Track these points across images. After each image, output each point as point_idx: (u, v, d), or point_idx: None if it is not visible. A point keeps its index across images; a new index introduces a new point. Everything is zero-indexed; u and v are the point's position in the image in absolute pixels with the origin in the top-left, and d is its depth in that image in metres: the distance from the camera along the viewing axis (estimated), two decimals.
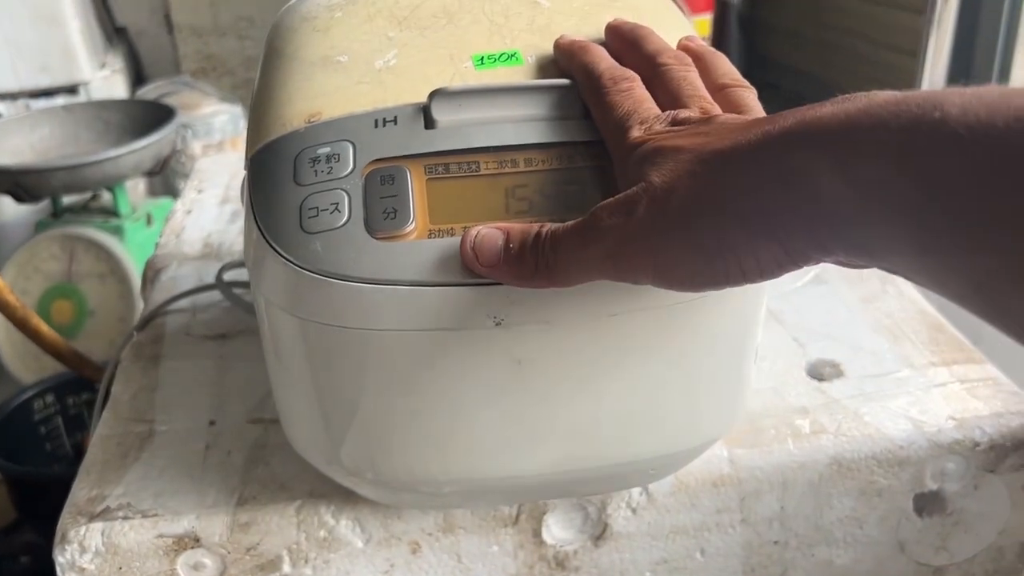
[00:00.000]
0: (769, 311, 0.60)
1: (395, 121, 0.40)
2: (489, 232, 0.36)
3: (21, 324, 0.73)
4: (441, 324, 0.36)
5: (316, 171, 0.38)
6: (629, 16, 0.47)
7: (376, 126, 0.40)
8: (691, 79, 0.39)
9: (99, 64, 1.81)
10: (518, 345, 0.37)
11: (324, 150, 0.39)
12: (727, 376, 0.42)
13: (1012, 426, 0.50)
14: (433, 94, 0.39)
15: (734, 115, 0.36)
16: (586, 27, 0.45)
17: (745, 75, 0.42)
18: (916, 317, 0.59)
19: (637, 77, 0.39)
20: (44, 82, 1.73)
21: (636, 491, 0.47)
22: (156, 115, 1.28)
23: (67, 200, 1.25)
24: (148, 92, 1.55)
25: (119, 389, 0.55)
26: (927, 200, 0.25)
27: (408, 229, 0.36)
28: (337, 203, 0.37)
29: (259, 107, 0.44)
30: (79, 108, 1.30)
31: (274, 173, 0.39)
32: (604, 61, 0.40)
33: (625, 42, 0.43)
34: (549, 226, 0.35)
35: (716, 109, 0.37)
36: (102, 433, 0.51)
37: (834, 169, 0.28)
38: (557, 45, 0.43)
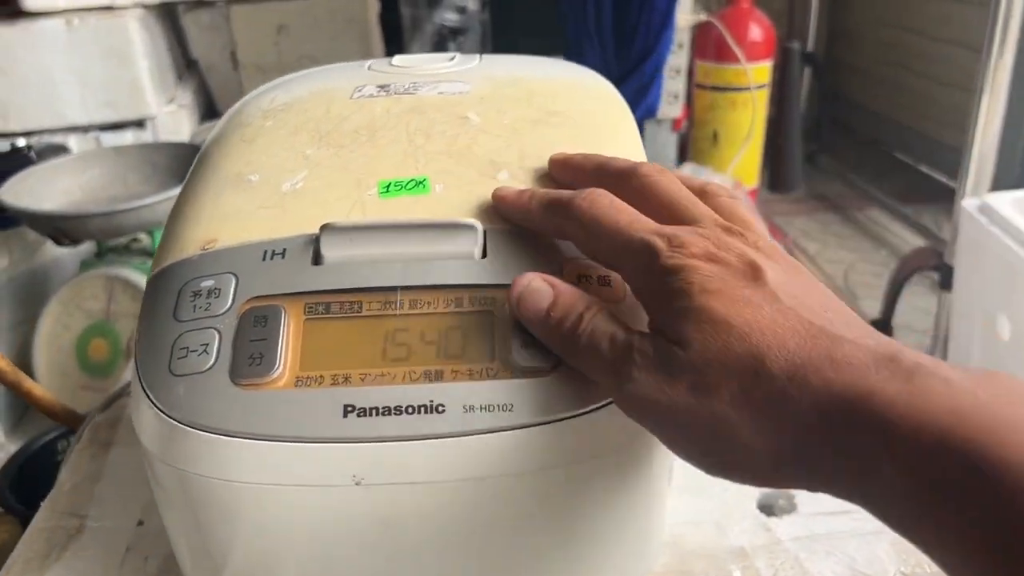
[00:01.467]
0: None
1: (283, 254, 0.39)
2: (539, 288, 0.35)
3: (14, 387, 0.75)
4: (298, 480, 0.35)
5: (195, 306, 0.38)
6: (567, 133, 0.45)
7: (264, 259, 0.39)
8: (686, 194, 0.37)
9: (167, 99, 1.87)
10: (382, 505, 0.35)
11: (208, 283, 0.38)
12: (623, 533, 0.40)
13: None
14: (322, 228, 0.38)
15: (795, 278, 0.32)
16: (509, 151, 0.43)
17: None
18: None
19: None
20: (112, 116, 1.79)
21: None
22: None
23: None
24: (202, 132, 1.59)
25: (64, 477, 0.56)
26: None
27: (273, 376, 0.35)
28: (207, 344, 0.36)
29: (169, 225, 0.44)
30: (127, 151, 1.34)
31: (159, 305, 0.39)
32: (567, 192, 0.37)
33: (581, 171, 0.40)
34: (596, 314, 0.34)
35: (755, 233, 0.34)
36: (36, 526, 0.52)
37: (899, 468, 0.26)
38: (499, 199, 0.40)
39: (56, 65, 1.72)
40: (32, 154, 1.40)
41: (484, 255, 0.38)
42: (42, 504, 0.53)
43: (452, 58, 0.55)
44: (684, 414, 0.30)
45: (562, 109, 0.47)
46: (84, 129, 1.80)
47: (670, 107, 1.66)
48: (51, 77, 1.73)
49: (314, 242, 0.39)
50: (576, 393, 0.34)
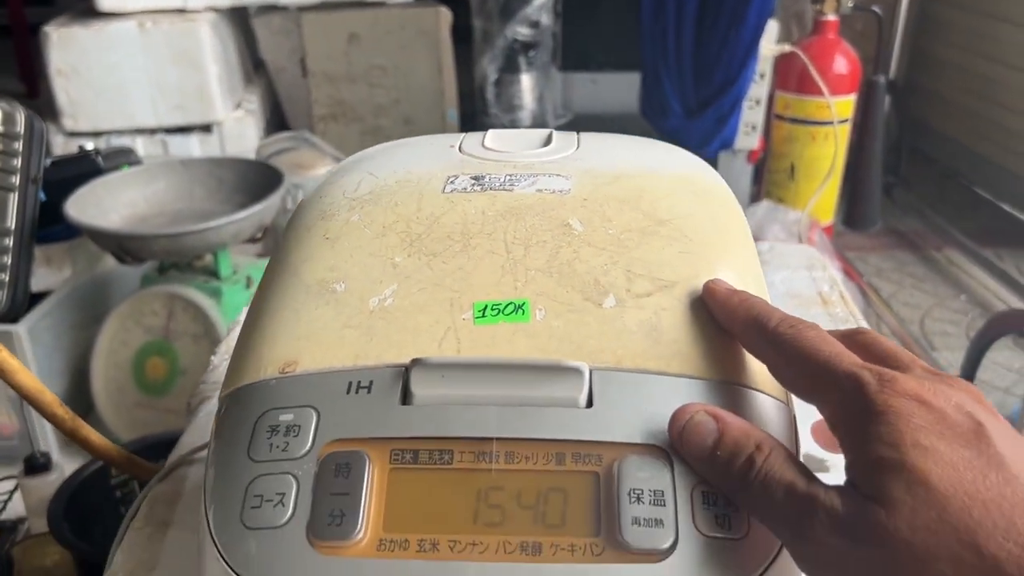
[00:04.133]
0: None
1: (369, 388, 0.35)
2: (703, 422, 0.32)
3: (71, 434, 0.73)
4: None
5: (272, 444, 0.34)
6: (679, 247, 0.41)
7: (349, 391, 0.35)
8: (892, 345, 0.34)
9: (234, 104, 1.86)
10: None
11: (286, 417, 0.35)
12: None
13: None
14: (413, 363, 0.35)
15: (1020, 440, 0.29)
16: (615, 268, 0.39)
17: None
18: None
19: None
20: (180, 120, 1.79)
21: None
22: (267, 176, 1.28)
23: None
24: (269, 145, 1.57)
25: (120, 561, 0.53)
26: None
27: (354, 540, 0.32)
28: (284, 493, 0.33)
29: (248, 333, 0.40)
30: (195, 164, 1.33)
31: (233, 435, 0.35)
32: (777, 311, 0.35)
33: (734, 318, 0.38)
34: (769, 456, 0.30)
35: (967, 387, 0.30)
36: None
37: None
38: (710, 291, 0.38)
39: (127, 67, 1.72)
40: (99, 159, 1.39)
41: (590, 403, 0.34)
42: None
43: (548, 138, 0.51)
44: None
45: (672, 216, 0.43)
46: (151, 131, 1.80)
47: (747, 138, 1.60)
48: (122, 79, 1.73)
49: (403, 375, 0.35)
50: None
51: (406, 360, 0.36)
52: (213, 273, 1.26)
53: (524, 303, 0.38)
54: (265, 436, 0.35)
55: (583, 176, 0.46)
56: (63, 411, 0.72)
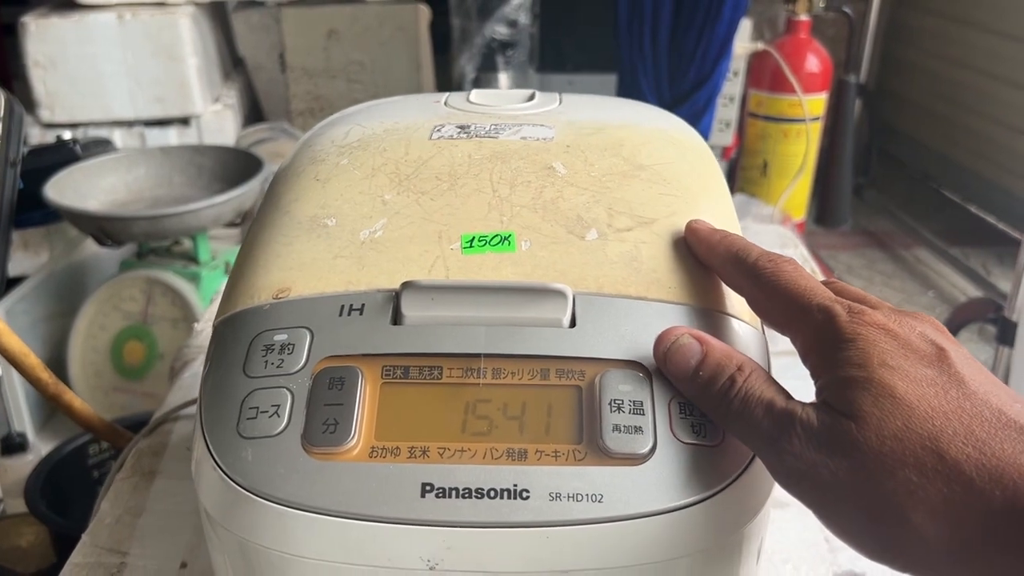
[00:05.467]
0: None
1: (361, 310, 0.37)
2: (687, 344, 0.34)
3: (54, 399, 0.73)
4: (369, 561, 0.33)
5: (267, 362, 0.36)
6: (657, 190, 0.43)
7: (341, 314, 0.37)
8: (859, 290, 0.36)
9: (213, 98, 1.86)
10: None
11: (280, 337, 0.36)
12: None
13: None
14: (404, 286, 0.36)
15: (980, 366, 0.31)
16: (597, 207, 0.41)
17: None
18: None
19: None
20: (158, 113, 1.79)
21: None
22: (246, 164, 1.29)
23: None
24: (248, 136, 1.58)
25: (107, 508, 0.54)
26: None
27: (347, 446, 0.33)
28: (278, 405, 0.34)
29: (240, 266, 0.42)
30: (174, 152, 1.33)
31: (228, 355, 0.37)
32: (756, 247, 0.37)
33: (714, 253, 0.39)
34: (750, 376, 0.32)
35: (932, 321, 0.32)
36: (76, 561, 0.50)
37: None
38: (692, 230, 0.39)
39: (106, 59, 1.72)
40: (77, 148, 1.39)
41: (573, 324, 0.36)
42: (82, 537, 0.52)
43: (531, 96, 0.52)
44: (850, 493, 0.28)
45: (651, 163, 0.45)
46: (129, 124, 1.79)
47: (721, 135, 1.63)
48: (100, 71, 1.72)
49: (394, 299, 0.37)
50: (670, 485, 0.32)
51: (396, 286, 0.37)
52: (192, 258, 1.26)
53: (510, 235, 0.40)
54: (260, 354, 0.36)
55: (565, 127, 0.48)
56: (47, 375, 0.73)
